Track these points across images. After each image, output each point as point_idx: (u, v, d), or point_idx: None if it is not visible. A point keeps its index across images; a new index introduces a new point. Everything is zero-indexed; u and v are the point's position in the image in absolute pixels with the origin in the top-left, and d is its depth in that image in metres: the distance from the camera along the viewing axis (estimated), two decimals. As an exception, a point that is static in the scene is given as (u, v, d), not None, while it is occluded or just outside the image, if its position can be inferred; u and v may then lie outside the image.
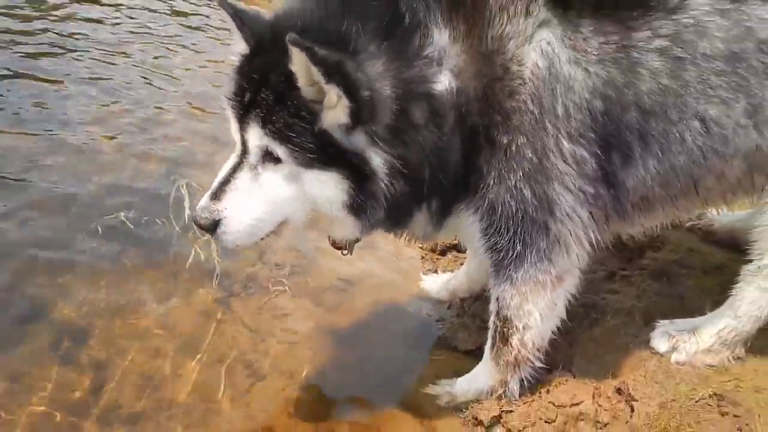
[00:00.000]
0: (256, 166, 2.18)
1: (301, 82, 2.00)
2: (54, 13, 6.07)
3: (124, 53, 5.68)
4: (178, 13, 6.66)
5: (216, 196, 2.20)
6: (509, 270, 2.44)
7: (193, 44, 6.11)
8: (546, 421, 2.61)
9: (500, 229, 2.33)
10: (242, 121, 2.15)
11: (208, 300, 3.31)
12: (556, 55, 2.14)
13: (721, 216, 3.35)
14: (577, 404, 2.64)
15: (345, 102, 1.99)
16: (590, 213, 2.33)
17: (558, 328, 2.64)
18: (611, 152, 2.22)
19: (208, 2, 6.88)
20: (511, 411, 2.68)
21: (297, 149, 2.07)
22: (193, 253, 3.53)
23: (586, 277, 2.65)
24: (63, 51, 5.48)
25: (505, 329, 2.59)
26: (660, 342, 2.74)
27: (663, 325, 2.78)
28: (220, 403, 2.81)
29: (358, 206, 2.17)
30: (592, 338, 2.91)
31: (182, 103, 5.10)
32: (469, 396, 2.80)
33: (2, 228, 3.53)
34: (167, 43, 6.02)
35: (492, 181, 2.26)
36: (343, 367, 3.06)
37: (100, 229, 3.62)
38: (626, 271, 3.24)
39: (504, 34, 2.14)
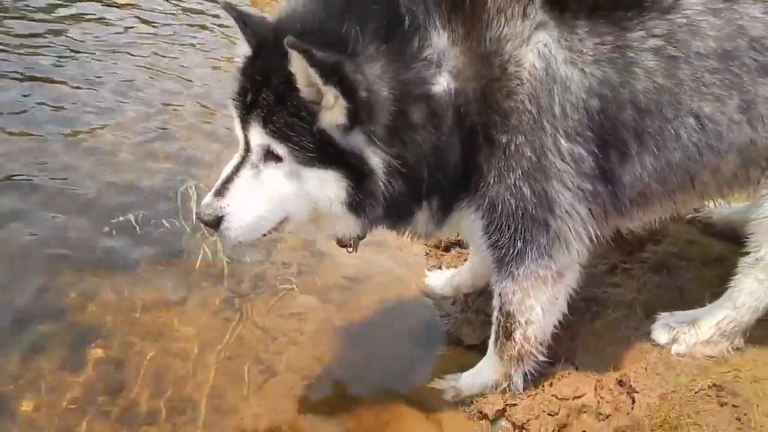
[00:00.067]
0: (258, 164, 2.23)
1: (300, 83, 2.05)
2: (62, 14, 6.14)
3: (133, 53, 5.74)
4: (187, 13, 6.71)
5: (219, 193, 2.26)
6: (511, 266, 2.47)
7: (202, 44, 6.15)
8: (549, 414, 2.66)
9: (501, 226, 2.37)
10: (245, 121, 2.20)
11: (219, 300, 3.36)
12: (552, 56, 2.18)
13: (719, 208, 3.36)
14: (580, 397, 2.68)
15: (342, 103, 2.03)
16: (589, 209, 2.36)
17: (560, 322, 2.67)
18: (608, 150, 2.26)
19: (216, 2, 6.93)
20: (515, 404, 2.73)
21: (297, 148, 2.13)
22: (201, 254, 3.58)
23: (588, 270, 2.69)
24: (72, 52, 5.54)
25: (508, 324, 2.63)
26: (660, 334, 2.77)
27: (663, 317, 2.81)
28: (234, 402, 2.85)
29: (356, 204, 2.22)
30: (593, 331, 2.94)
31: (192, 103, 5.16)
32: (474, 390, 2.85)
33: (16, 227, 3.58)
34: (176, 43, 6.07)
35: (492, 180, 2.30)
36: (350, 364, 3.11)
37: (111, 230, 3.69)
38: (627, 264, 3.27)
39: (502, 36, 2.17)
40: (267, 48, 2.16)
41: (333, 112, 2.07)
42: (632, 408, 2.56)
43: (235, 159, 2.29)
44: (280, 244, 3.77)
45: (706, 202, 3.17)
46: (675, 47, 2.16)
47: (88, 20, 6.18)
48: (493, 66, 2.19)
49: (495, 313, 2.70)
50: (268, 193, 2.25)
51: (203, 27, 6.48)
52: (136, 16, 6.45)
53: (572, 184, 2.29)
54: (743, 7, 2.15)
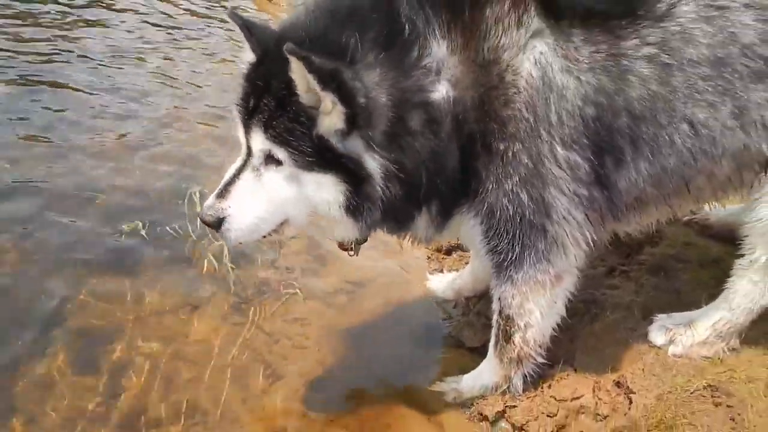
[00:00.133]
0: (259, 167, 2.28)
1: (300, 89, 2.10)
2: (71, 20, 6.20)
3: (142, 59, 5.81)
4: (195, 17, 6.78)
5: (221, 195, 2.31)
6: (510, 271, 2.51)
7: (210, 48, 6.23)
8: (548, 415, 2.69)
9: (500, 231, 2.41)
10: (247, 126, 2.26)
11: (225, 305, 3.39)
12: (548, 65, 2.21)
13: (716, 210, 3.39)
14: (578, 398, 2.72)
15: (340, 108, 2.08)
16: (586, 215, 2.40)
17: (558, 325, 2.71)
18: (604, 156, 2.30)
19: (223, 6, 6.98)
20: (514, 406, 2.77)
21: (296, 152, 2.17)
22: (206, 260, 3.61)
23: (587, 273, 2.74)
24: (82, 58, 5.61)
25: (508, 327, 2.67)
26: (657, 335, 2.81)
27: (660, 318, 2.85)
28: (238, 406, 2.88)
29: (354, 208, 2.26)
30: (592, 333, 2.98)
31: (201, 108, 5.22)
32: (474, 392, 2.88)
33: (25, 231, 3.63)
34: (184, 48, 6.14)
35: (490, 186, 2.33)
36: (352, 367, 3.14)
37: (119, 235, 3.72)
38: (625, 267, 3.31)
39: (499, 45, 2.21)
40: (270, 55, 2.21)
41: (331, 118, 2.12)
42: (629, 409, 2.59)
43: (238, 162, 2.34)
44: (284, 249, 3.82)
45: (701, 206, 3.20)
46: (668, 55, 2.20)
47: (98, 26, 6.26)
48: (491, 75, 2.22)
49: (495, 317, 2.73)
50: (268, 195, 2.30)
51: (211, 33, 6.55)
52: (144, 21, 6.52)
53: (569, 190, 2.32)
54: (735, 15, 2.18)
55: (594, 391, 2.74)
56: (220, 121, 4.96)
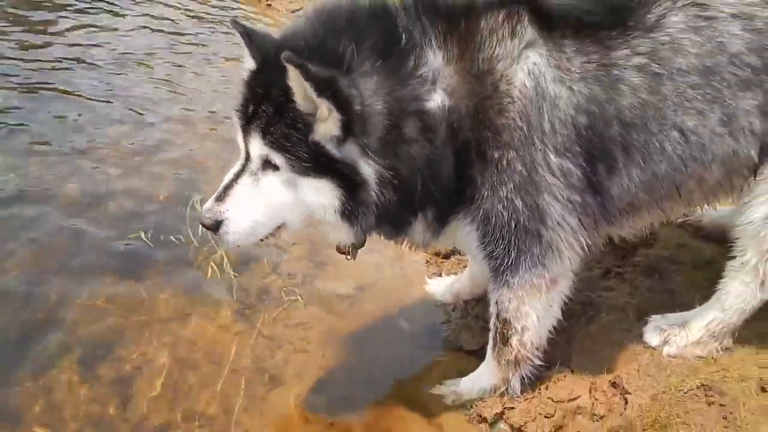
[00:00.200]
0: (257, 172, 2.33)
1: (297, 96, 2.15)
2: (73, 25, 6.24)
3: (146, 64, 5.86)
4: (199, 23, 6.83)
5: (220, 198, 2.36)
6: (506, 275, 2.56)
7: (213, 53, 6.28)
8: (546, 416, 2.74)
9: (495, 237, 2.46)
10: (246, 131, 2.31)
11: (227, 312, 3.44)
12: (541, 74, 2.26)
13: (709, 211, 3.41)
14: (575, 399, 2.76)
15: (336, 115, 2.13)
16: (579, 220, 2.44)
17: (555, 327, 2.75)
18: (596, 163, 2.34)
19: (230, 9, 7.06)
20: (512, 407, 2.81)
21: (293, 158, 2.23)
22: (210, 268, 3.65)
23: (583, 275, 2.78)
24: (86, 64, 5.66)
25: (505, 331, 2.72)
26: (652, 336, 2.84)
27: (655, 320, 2.88)
28: (242, 412, 2.92)
29: (349, 213, 2.31)
30: (588, 335, 3.02)
31: (205, 113, 5.27)
32: (473, 394, 2.92)
33: (32, 237, 3.66)
34: (188, 53, 6.20)
35: (486, 193, 2.38)
36: (353, 371, 3.18)
37: (123, 243, 3.76)
38: (620, 269, 3.35)
39: (494, 56, 2.26)
40: (269, 63, 2.26)
41: (327, 124, 2.17)
42: (625, 409, 2.62)
43: (236, 166, 2.39)
44: (285, 255, 3.87)
45: (693, 209, 3.23)
46: (658, 64, 2.25)
47: (101, 31, 6.30)
48: (486, 84, 2.28)
49: (492, 320, 2.78)
50: (265, 199, 2.34)
51: (217, 39, 6.62)
52: (149, 27, 6.56)
53: (562, 196, 2.37)
54: (723, 25, 2.23)
55: (590, 391, 2.78)
56: (226, 126, 4.96)
